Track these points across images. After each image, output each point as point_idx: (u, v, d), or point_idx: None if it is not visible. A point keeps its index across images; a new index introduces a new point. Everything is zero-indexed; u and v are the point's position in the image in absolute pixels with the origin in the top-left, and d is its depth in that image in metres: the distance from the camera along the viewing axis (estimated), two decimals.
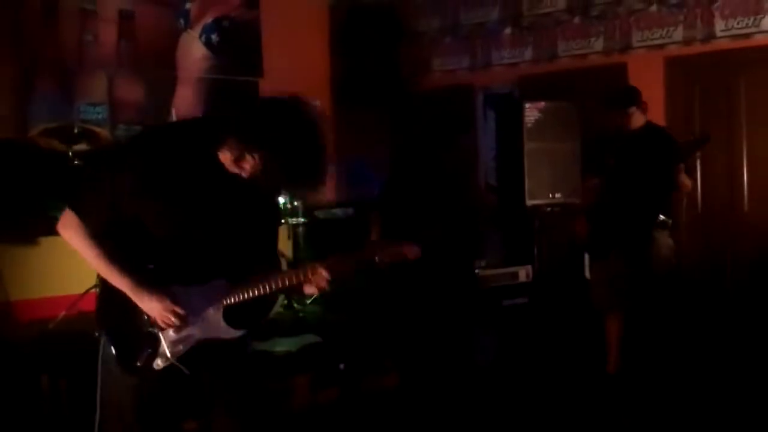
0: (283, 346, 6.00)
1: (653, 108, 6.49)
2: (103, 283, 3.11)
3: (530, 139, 7.67)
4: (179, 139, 3.06)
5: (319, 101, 9.54)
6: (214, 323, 3.13)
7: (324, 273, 3.16)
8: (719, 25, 7.46)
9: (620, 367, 6.03)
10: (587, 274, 6.75)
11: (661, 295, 5.90)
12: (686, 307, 6.84)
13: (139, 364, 3.08)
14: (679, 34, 7.69)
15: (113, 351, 3.07)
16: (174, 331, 3.09)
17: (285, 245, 7.49)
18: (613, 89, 6.33)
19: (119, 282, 3.03)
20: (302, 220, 7.45)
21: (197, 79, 8.70)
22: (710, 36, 7.51)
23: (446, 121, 5.12)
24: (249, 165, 2.91)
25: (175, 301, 3.05)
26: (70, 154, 6.39)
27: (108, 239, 3.02)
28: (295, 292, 3.75)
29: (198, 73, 8.71)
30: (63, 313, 5.84)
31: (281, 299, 6.69)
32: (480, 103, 9.17)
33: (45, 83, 7.46)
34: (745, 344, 6.63)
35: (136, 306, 3.05)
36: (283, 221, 7.28)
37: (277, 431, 5.19)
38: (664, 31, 7.77)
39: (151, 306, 3.03)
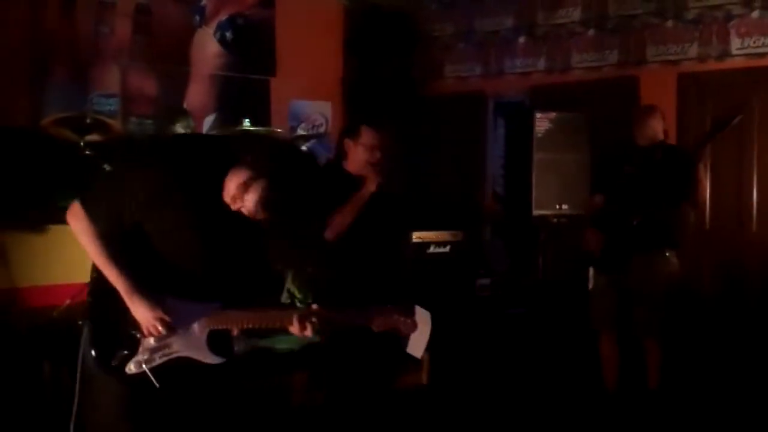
0: (284, 343, 6.01)
1: (664, 123, 6.47)
2: (99, 276, 3.11)
3: (540, 149, 7.68)
4: (197, 155, 3.09)
5: (331, 102, 9.60)
6: (197, 343, 3.13)
7: (310, 326, 3.23)
8: (735, 43, 7.47)
9: (618, 384, 6.01)
10: (590, 286, 6.74)
11: (669, 313, 5.86)
12: (693, 325, 6.83)
13: (113, 363, 3.07)
14: (693, 50, 7.70)
15: (92, 340, 3.08)
16: (155, 341, 3.09)
17: None
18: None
19: (115, 282, 3.05)
20: None
21: (210, 75, 8.71)
22: (725, 54, 7.52)
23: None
24: (252, 194, 2.97)
25: (165, 311, 3.07)
26: (82, 144, 6.40)
27: (113, 242, 3.06)
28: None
29: (211, 70, 8.72)
30: (68, 301, 5.84)
31: (284, 297, 6.69)
32: (490, 111, 9.18)
33: (59, 73, 7.48)
34: (752, 363, 6.62)
35: (126, 306, 3.07)
36: None
37: (275, 427, 5.26)
38: (679, 47, 7.78)
39: (141, 311, 3.05)
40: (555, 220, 7.67)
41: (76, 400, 3.20)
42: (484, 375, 6.31)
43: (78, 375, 3.15)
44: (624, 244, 5.73)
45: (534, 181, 7.69)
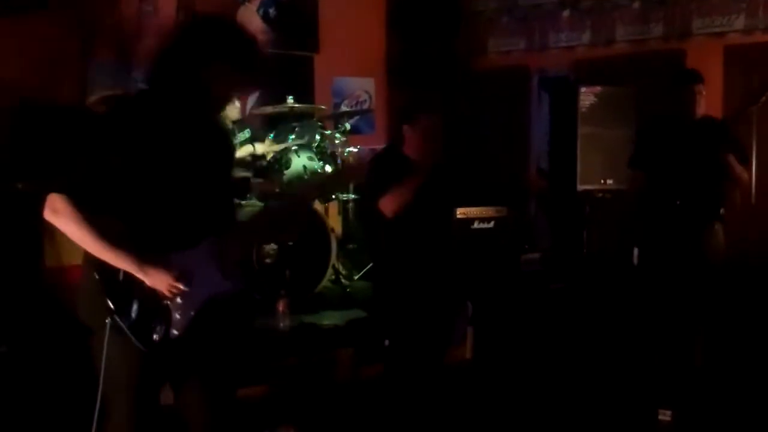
0: (329, 319, 6.06)
1: (710, 97, 6.39)
2: (100, 270, 3.01)
3: (584, 123, 7.65)
4: (155, 104, 3.12)
5: (374, 79, 9.60)
6: (215, 279, 3.14)
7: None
8: None
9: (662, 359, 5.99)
10: (635, 261, 6.71)
11: (714, 287, 5.82)
12: (736, 301, 6.76)
13: (156, 338, 3.05)
14: (740, 22, 7.60)
15: (129, 333, 3.00)
16: (180, 298, 3.09)
17: (335, 221, 7.54)
18: (678, 69, 6.18)
19: (122, 262, 2.99)
20: (352, 196, 7.47)
21: None
22: None
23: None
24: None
25: (177, 268, 3.05)
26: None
27: (98, 217, 2.98)
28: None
29: None
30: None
31: (329, 274, 6.74)
32: (535, 86, 9.13)
33: (104, 52, 7.55)
34: None
35: (139, 283, 3.02)
36: (333, 197, 7.31)
37: (319, 401, 5.31)
38: (725, 19, 7.68)
39: (157, 278, 3.01)
40: (600, 194, 7.64)
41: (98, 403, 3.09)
42: (528, 350, 6.31)
43: (102, 377, 3.04)
44: (669, 223, 5.70)
45: (579, 155, 7.66)
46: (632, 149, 6.14)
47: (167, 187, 3.06)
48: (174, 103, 3.11)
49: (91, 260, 3.03)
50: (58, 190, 2.96)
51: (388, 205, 5.02)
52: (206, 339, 3.19)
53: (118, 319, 2.99)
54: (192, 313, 3.11)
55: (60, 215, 2.96)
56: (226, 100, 3.36)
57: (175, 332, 3.09)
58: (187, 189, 3.10)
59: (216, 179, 3.24)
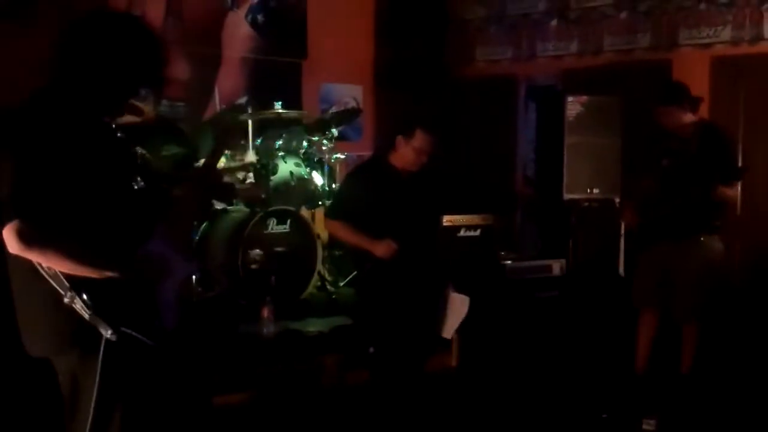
0: (314, 326, 6.05)
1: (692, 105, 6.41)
2: (77, 288, 2.77)
3: (571, 132, 7.67)
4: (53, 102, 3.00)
5: (362, 86, 9.61)
6: (181, 263, 3.12)
7: None
8: None
9: (648, 367, 6.00)
10: (621, 271, 6.72)
11: (709, 299, 5.82)
12: (724, 312, 6.77)
13: (157, 337, 2.94)
14: (726, 33, 7.63)
15: (141, 338, 2.86)
16: (166, 290, 3.03)
17: (322, 227, 7.52)
18: (662, 85, 6.23)
19: (104, 273, 2.80)
20: None
21: (242, 58, 8.73)
22: (758, 37, 7.45)
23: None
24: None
25: (149, 258, 2.95)
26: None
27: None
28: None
29: (242, 53, 8.75)
30: None
31: (315, 280, 6.74)
32: (522, 95, 9.15)
33: None
34: None
35: (128, 287, 2.85)
36: (320, 203, 7.30)
37: (304, 408, 5.30)
38: (712, 30, 7.71)
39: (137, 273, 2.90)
40: (586, 204, 7.67)
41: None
42: (514, 358, 6.31)
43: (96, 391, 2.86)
44: (655, 232, 5.72)
45: (565, 164, 7.68)
46: (647, 158, 6.16)
47: (90, 189, 2.88)
48: (72, 101, 3.01)
49: (45, 287, 2.79)
50: (18, 216, 2.72)
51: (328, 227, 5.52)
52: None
53: (126, 329, 2.81)
54: (178, 304, 3.09)
55: (26, 246, 2.72)
56: (125, 99, 3.30)
57: (170, 326, 3.05)
58: (105, 187, 2.96)
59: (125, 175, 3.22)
